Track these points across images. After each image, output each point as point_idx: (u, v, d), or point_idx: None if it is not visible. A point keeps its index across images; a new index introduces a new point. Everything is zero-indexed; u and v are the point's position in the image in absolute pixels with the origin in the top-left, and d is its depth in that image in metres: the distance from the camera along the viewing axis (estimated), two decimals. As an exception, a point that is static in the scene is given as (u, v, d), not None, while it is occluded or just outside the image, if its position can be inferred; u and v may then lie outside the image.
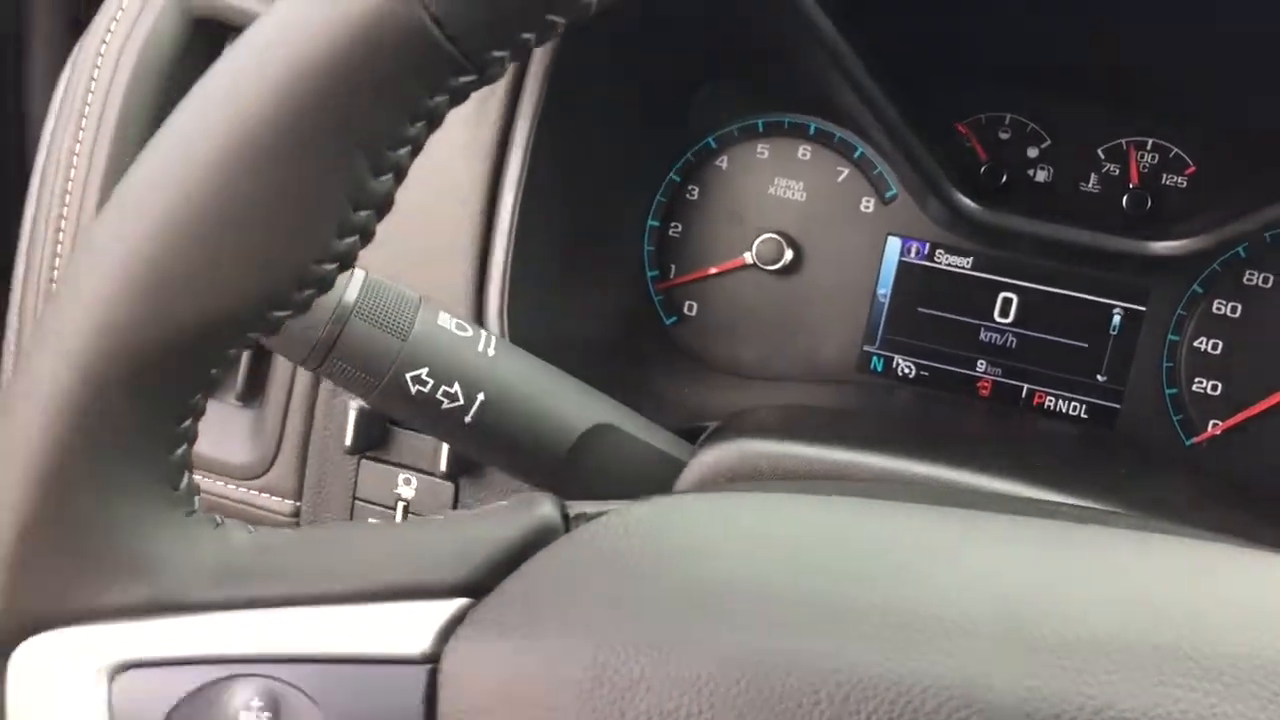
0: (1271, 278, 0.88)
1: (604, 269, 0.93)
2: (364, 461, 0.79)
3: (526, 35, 0.36)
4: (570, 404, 0.63)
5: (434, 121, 0.37)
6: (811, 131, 0.95)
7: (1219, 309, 0.90)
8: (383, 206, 0.38)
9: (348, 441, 0.77)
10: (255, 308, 0.38)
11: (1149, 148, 0.91)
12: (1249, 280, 0.88)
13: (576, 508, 0.43)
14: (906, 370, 0.95)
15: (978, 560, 0.37)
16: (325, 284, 0.38)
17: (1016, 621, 0.34)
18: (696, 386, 0.93)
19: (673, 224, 0.98)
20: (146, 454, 0.38)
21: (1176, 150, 0.90)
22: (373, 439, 0.77)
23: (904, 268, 0.94)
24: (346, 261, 0.38)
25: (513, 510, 0.42)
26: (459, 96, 0.37)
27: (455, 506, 0.79)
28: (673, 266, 0.98)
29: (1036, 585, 0.36)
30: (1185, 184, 0.90)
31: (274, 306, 0.38)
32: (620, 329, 0.94)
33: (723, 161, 0.98)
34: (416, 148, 0.37)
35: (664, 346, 0.97)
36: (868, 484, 0.53)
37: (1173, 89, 0.88)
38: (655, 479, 0.65)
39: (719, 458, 0.65)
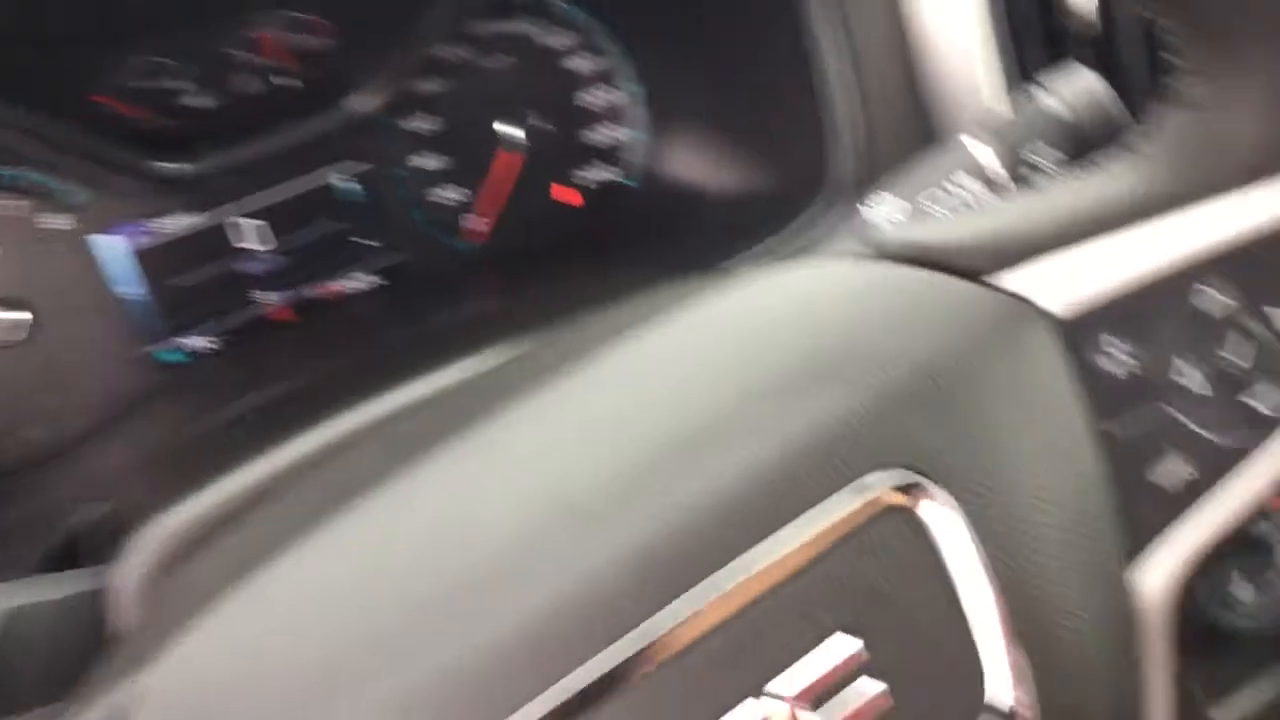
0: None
1: None
2: None
3: None
4: None
5: None
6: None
7: (409, 125, 0.96)
8: None
9: None
10: None
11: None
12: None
13: None
14: (208, 346, 0.91)
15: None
16: None
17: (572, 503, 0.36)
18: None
19: None
20: None
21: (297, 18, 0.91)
22: None
23: (138, 257, 0.88)
24: None
25: None
26: None
27: None
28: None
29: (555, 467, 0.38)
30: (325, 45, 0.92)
31: None
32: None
33: None
34: None
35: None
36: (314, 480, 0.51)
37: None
38: (86, 624, 0.59)
39: (139, 566, 0.59)
